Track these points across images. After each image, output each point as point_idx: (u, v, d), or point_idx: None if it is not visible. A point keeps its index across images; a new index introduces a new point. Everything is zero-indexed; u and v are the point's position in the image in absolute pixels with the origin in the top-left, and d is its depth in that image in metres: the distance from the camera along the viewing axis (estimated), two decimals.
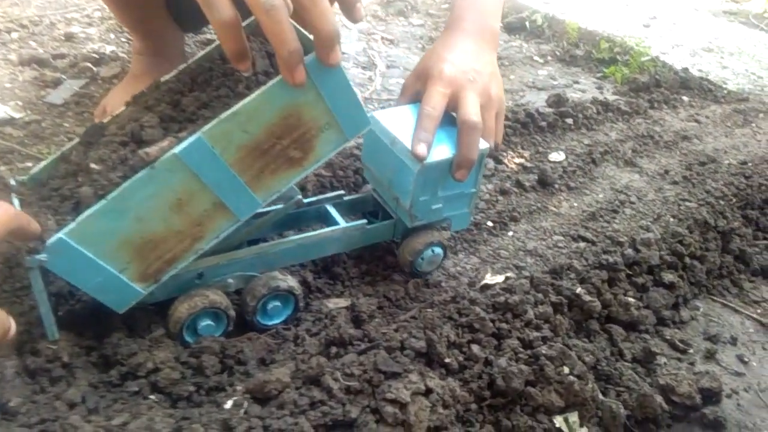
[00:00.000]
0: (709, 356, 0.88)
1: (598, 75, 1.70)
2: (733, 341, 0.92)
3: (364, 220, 0.78)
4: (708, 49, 1.92)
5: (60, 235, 0.53)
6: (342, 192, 0.83)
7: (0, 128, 1.05)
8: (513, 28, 1.93)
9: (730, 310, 0.98)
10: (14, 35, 1.37)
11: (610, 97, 1.51)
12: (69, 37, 1.39)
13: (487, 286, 0.81)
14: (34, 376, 0.56)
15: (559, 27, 1.92)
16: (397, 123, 0.75)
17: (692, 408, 0.78)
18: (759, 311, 0.98)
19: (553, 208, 1.05)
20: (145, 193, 0.55)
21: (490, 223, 0.97)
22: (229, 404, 0.57)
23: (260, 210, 0.64)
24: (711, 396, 0.80)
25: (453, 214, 0.79)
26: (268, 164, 0.60)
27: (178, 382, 0.59)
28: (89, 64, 1.27)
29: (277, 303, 0.70)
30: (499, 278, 0.83)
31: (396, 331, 0.68)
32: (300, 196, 0.69)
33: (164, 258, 0.60)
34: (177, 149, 0.54)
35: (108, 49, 1.36)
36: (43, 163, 0.64)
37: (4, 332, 0.50)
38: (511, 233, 0.97)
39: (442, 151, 0.72)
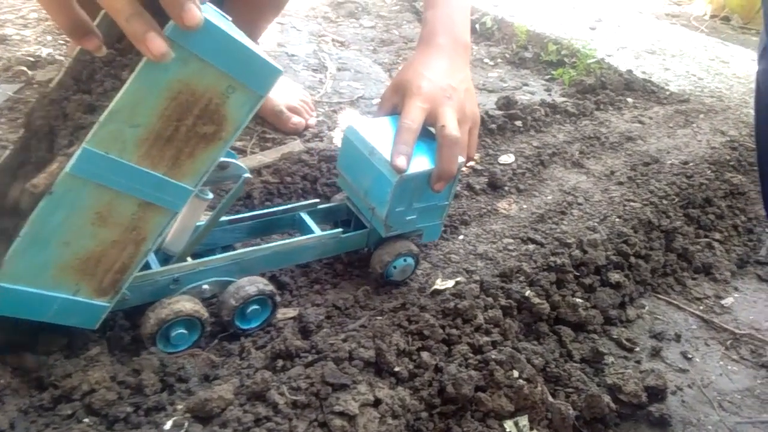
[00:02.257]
0: (655, 354, 0.90)
1: (547, 77, 1.73)
2: (677, 338, 0.94)
3: (340, 229, 0.78)
4: (651, 51, 1.98)
5: None
6: (317, 200, 0.84)
7: None
8: None
9: (674, 307, 1.01)
10: None
11: (558, 99, 1.54)
12: (2, 40, 1.33)
13: (437, 292, 0.81)
14: None
15: (509, 30, 1.94)
16: (376, 134, 0.76)
17: (639, 406, 0.80)
18: (701, 308, 1.01)
19: (503, 211, 1.06)
20: (56, 219, 0.52)
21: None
22: (168, 425, 0.55)
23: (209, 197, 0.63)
24: (656, 394, 0.81)
25: (426, 225, 0.81)
26: (181, 149, 0.55)
27: (114, 403, 0.56)
28: (24, 68, 1.21)
29: (256, 307, 0.70)
30: (450, 283, 0.82)
31: (344, 341, 0.67)
32: (248, 174, 0.66)
33: (114, 269, 0.58)
34: (68, 168, 0.50)
35: (44, 51, 1.30)
36: None
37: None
38: (461, 237, 0.97)
39: (419, 163, 0.73)
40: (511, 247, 0.95)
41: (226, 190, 0.82)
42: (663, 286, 1.04)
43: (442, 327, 0.74)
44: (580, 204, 1.10)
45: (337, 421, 0.58)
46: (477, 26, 1.98)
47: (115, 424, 0.55)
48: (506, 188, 1.11)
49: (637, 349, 0.90)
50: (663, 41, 2.08)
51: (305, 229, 0.79)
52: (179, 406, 0.57)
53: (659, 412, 0.79)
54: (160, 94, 0.51)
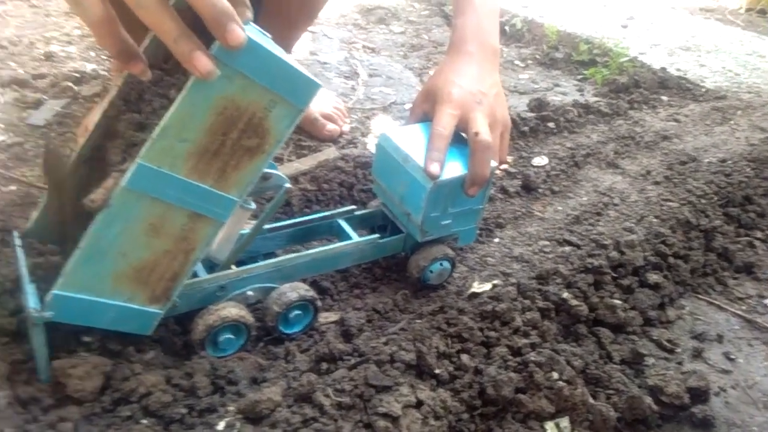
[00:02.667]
0: (697, 355, 0.90)
1: (579, 77, 1.72)
2: (720, 339, 0.93)
3: (377, 235, 0.80)
4: (685, 47, 1.95)
5: (53, 291, 0.54)
6: (353, 207, 0.86)
7: None
8: None
9: (716, 307, 0.99)
10: None
11: (591, 99, 1.53)
12: (49, 57, 1.38)
13: (474, 295, 0.82)
14: (26, 406, 0.56)
15: (539, 31, 1.94)
16: (409, 141, 0.78)
17: (681, 408, 0.79)
18: (744, 308, 0.99)
19: (538, 213, 1.06)
20: (113, 231, 0.55)
21: (477, 231, 0.97)
22: (221, 425, 0.57)
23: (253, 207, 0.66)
24: (699, 395, 0.81)
25: (461, 229, 0.82)
26: (227, 161, 0.58)
27: (169, 405, 0.59)
28: (70, 84, 1.26)
29: (299, 312, 0.72)
30: (487, 286, 0.83)
31: (385, 344, 0.68)
32: (289, 184, 0.68)
33: (165, 277, 0.61)
34: (124, 182, 0.53)
35: (88, 67, 1.35)
36: (35, 214, 0.63)
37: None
38: (497, 240, 0.97)
39: (453, 169, 0.75)
40: (547, 250, 0.95)
41: (267, 199, 0.85)
42: (703, 286, 1.02)
43: (481, 329, 0.75)
44: (616, 205, 1.10)
45: (381, 422, 0.60)
46: (507, 28, 1.98)
47: (171, 425, 0.58)
48: (540, 190, 1.12)
49: (679, 350, 0.89)
50: (697, 37, 2.05)
51: (343, 236, 0.82)
52: (230, 408, 0.59)
53: (702, 414, 0.78)
54: (207, 110, 0.54)
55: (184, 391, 0.61)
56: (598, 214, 1.06)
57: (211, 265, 0.71)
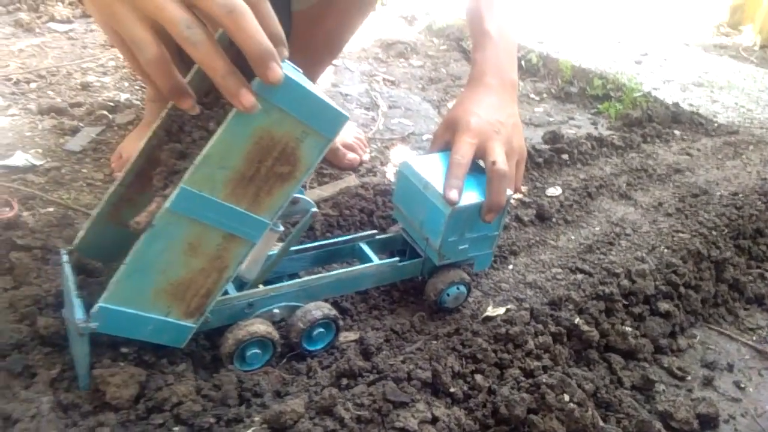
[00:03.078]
0: (707, 383, 0.91)
1: (593, 111, 1.77)
2: (730, 368, 0.95)
3: (396, 258, 0.84)
4: (698, 83, 1.99)
5: (99, 303, 0.59)
6: (374, 231, 0.90)
7: (22, 175, 1.10)
8: None
9: (727, 337, 1.01)
10: (33, 85, 1.44)
11: (605, 133, 1.57)
12: (85, 86, 1.46)
13: (488, 318, 0.85)
14: (67, 411, 0.60)
15: (554, 65, 1.99)
16: (429, 169, 0.82)
17: None
18: (754, 338, 1.01)
19: (552, 242, 1.09)
20: (155, 250, 0.60)
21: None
22: None
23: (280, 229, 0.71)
24: (708, 421, 0.83)
25: (477, 254, 0.86)
26: (261, 187, 0.62)
27: (199, 414, 0.62)
28: (105, 112, 1.33)
29: (321, 330, 0.76)
30: (500, 310, 0.86)
31: (403, 362, 0.72)
32: (315, 209, 0.73)
33: (200, 294, 0.65)
34: (167, 204, 0.57)
35: (122, 96, 1.42)
36: (81, 233, 0.68)
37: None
38: (511, 266, 1.01)
39: (470, 196, 0.79)
40: (559, 277, 0.98)
41: (293, 223, 0.89)
42: (714, 316, 1.04)
43: (494, 351, 0.77)
44: (628, 235, 1.13)
45: None
46: (523, 63, 2.04)
47: None
48: (554, 220, 1.15)
49: (689, 378, 0.91)
50: (710, 73, 2.09)
51: (364, 259, 0.85)
52: (256, 418, 0.63)
53: None
54: (245, 140, 0.58)
55: (213, 402, 0.64)
56: (610, 243, 1.09)
57: (240, 284, 0.75)
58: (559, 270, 1.00)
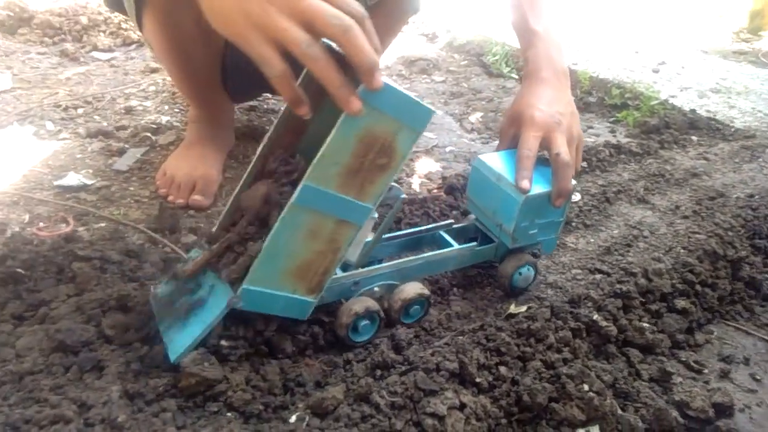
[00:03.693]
0: (723, 375, 0.95)
1: (611, 120, 1.81)
2: (746, 361, 0.98)
3: (474, 243, 0.95)
4: (716, 90, 2.02)
5: (243, 285, 0.70)
6: (451, 221, 1.02)
7: (75, 194, 1.19)
8: None
9: (743, 333, 1.05)
10: (80, 111, 1.55)
11: (623, 140, 1.62)
12: (128, 111, 1.56)
13: (511, 315, 0.91)
14: (133, 399, 0.68)
15: (572, 77, 2.04)
16: (500, 164, 0.92)
17: (706, 421, 0.85)
18: None
19: (571, 245, 1.14)
20: (284, 238, 0.71)
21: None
22: (293, 419, 0.67)
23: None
24: (724, 410, 0.86)
25: (544, 239, 0.95)
26: (365, 177, 0.73)
27: (249, 402, 0.69)
28: (148, 134, 1.42)
29: (417, 306, 0.87)
30: (522, 308, 0.92)
31: (432, 355, 0.78)
32: (404, 195, 0.83)
33: (319, 272, 0.76)
34: (293, 200, 0.69)
35: (164, 119, 1.52)
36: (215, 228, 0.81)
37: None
38: None
39: (539, 185, 0.89)
40: (579, 277, 1.04)
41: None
42: (731, 312, 1.08)
43: (517, 345, 0.83)
44: (645, 237, 1.17)
45: (429, 421, 0.69)
46: None
47: (250, 419, 0.68)
48: (574, 224, 1.20)
49: (706, 371, 0.95)
50: (728, 80, 2.12)
51: (443, 245, 0.95)
52: (300, 405, 0.69)
53: (726, 427, 0.84)
54: (353, 139, 0.69)
55: (261, 391, 0.71)
56: (628, 245, 1.14)
57: (344, 267, 0.85)
58: (579, 271, 1.05)
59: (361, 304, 0.81)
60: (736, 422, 0.86)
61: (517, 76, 2.10)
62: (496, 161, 0.93)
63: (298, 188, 0.69)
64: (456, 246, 0.94)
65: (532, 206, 0.89)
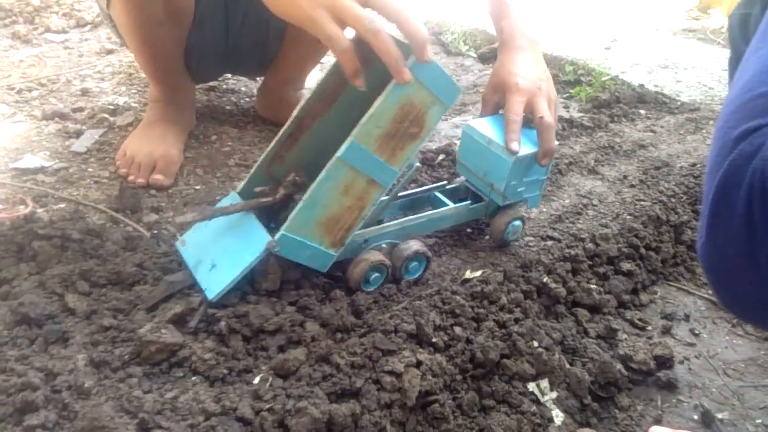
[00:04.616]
0: (665, 331, 1.02)
1: (565, 96, 1.87)
2: (687, 318, 1.05)
3: (468, 201, 1.02)
4: (664, 65, 2.09)
5: (281, 231, 0.77)
6: (444, 182, 1.09)
7: (33, 176, 1.18)
8: (486, 57, 2.10)
9: (684, 292, 1.12)
10: (35, 93, 1.52)
11: (575, 115, 1.67)
12: (85, 92, 1.54)
13: (466, 281, 0.95)
14: (99, 367, 0.70)
15: None
16: (489, 129, 0.98)
17: (648, 373, 0.91)
18: (710, 292, 1.12)
19: (525, 214, 1.19)
20: (324, 189, 0.77)
21: (469, 230, 1.11)
22: (257, 380, 0.70)
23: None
24: (664, 362, 0.93)
25: (530, 195, 1.03)
26: (398, 143, 0.79)
27: (214, 367, 0.72)
28: (106, 115, 1.41)
29: (416, 263, 0.93)
30: (477, 273, 0.96)
31: (390, 318, 0.81)
32: (419, 164, 0.89)
33: (344, 228, 0.82)
34: (339, 153, 0.75)
35: (121, 100, 1.51)
36: (243, 183, 0.89)
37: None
38: (487, 237, 1.11)
39: (525, 146, 0.95)
40: (531, 244, 1.08)
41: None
42: (674, 274, 1.15)
43: (471, 307, 0.87)
44: (594, 205, 1.23)
45: (387, 378, 0.73)
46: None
47: (215, 382, 0.71)
48: None
49: (649, 328, 1.02)
50: (676, 56, 2.20)
51: (438, 204, 1.02)
52: (263, 367, 0.72)
53: (667, 377, 0.90)
54: (396, 105, 0.76)
55: (225, 357, 0.74)
56: (578, 213, 1.19)
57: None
58: (531, 238, 1.10)
59: (372, 257, 0.88)
60: (675, 373, 0.92)
61: (474, 55, 2.13)
62: (484, 126, 0.98)
63: (346, 144, 0.74)
64: (452, 205, 1.00)
65: (520, 166, 0.95)
